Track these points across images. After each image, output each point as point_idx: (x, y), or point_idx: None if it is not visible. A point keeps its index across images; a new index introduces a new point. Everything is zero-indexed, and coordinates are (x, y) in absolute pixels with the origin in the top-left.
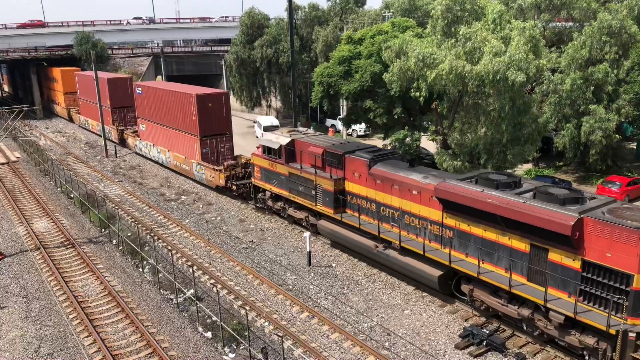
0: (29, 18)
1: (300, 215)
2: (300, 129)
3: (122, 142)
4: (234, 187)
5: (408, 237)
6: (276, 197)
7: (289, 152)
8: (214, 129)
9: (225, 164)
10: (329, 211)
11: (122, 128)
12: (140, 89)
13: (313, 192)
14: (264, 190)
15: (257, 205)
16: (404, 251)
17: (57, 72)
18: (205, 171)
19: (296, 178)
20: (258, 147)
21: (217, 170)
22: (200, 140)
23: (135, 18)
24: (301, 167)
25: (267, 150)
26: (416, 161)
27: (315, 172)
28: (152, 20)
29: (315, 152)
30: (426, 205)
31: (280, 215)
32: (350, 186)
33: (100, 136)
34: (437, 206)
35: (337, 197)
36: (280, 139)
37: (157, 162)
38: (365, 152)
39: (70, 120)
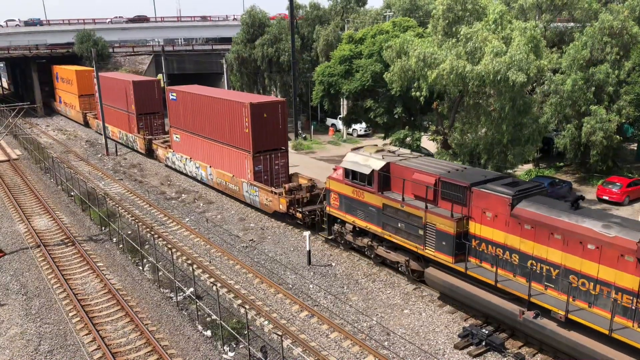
0: (29, 16)
1: (396, 257)
2: (390, 147)
3: (150, 153)
4: (299, 215)
5: (574, 305)
6: (360, 232)
7: (383, 179)
8: (268, 143)
9: (286, 186)
10: (445, 259)
11: (150, 137)
12: (174, 94)
13: (420, 232)
14: (343, 222)
15: (329, 237)
16: (568, 324)
17: (71, 72)
18: (260, 194)
19: (394, 212)
20: (335, 169)
21: (276, 193)
22: (253, 157)
23: (8, 20)
24: (403, 198)
25: (352, 175)
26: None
27: (426, 206)
28: (29, 23)
29: (423, 180)
30: (610, 266)
31: (365, 254)
32: (478, 229)
33: (125, 145)
34: (630, 269)
35: (460, 241)
36: (370, 161)
37: (194, 179)
38: (503, 186)
39: (86, 125)
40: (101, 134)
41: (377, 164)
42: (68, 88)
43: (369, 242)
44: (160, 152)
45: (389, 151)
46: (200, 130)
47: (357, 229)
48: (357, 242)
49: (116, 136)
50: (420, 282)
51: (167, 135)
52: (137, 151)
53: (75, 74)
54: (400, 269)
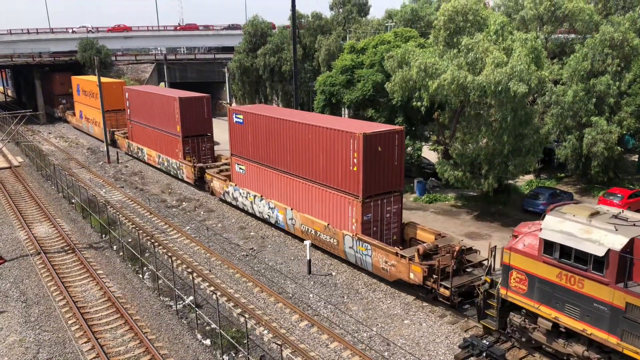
0: (34, 24)
1: None
2: (607, 208)
3: (200, 184)
4: (446, 292)
5: None
6: (562, 333)
7: (627, 264)
8: (381, 184)
9: (420, 248)
10: None
11: (201, 165)
12: (240, 116)
13: None
14: (531, 315)
15: (499, 330)
16: None
17: (95, 84)
18: (375, 254)
19: None
20: (516, 235)
21: (404, 257)
22: (363, 203)
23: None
24: None
25: (560, 251)
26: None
27: None
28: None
29: None
30: None
31: None
32: None
33: (165, 172)
34: None
35: None
36: (597, 234)
37: (264, 221)
38: None
39: (113, 144)
40: (137, 159)
41: (615, 240)
42: (91, 102)
43: (585, 353)
44: (216, 184)
45: (615, 216)
46: (278, 163)
47: (563, 329)
48: (555, 345)
49: (153, 161)
50: None
51: (221, 163)
52: (182, 180)
53: (102, 87)
54: None
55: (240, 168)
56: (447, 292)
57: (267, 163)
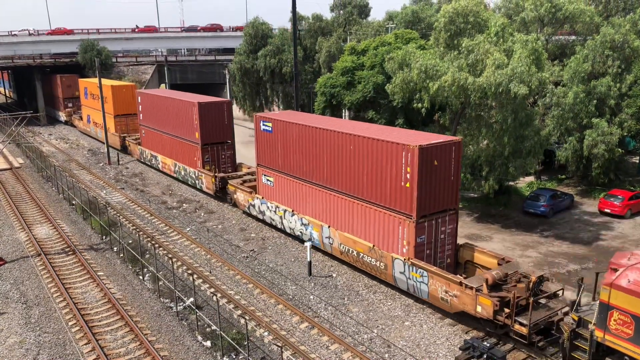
0: (34, 26)
1: None
2: None
3: (221, 195)
4: (523, 329)
5: None
6: None
7: None
8: (437, 202)
9: (489, 276)
10: None
11: (222, 175)
12: (269, 124)
13: None
14: None
15: None
16: None
17: (106, 88)
18: (432, 281)
19: None
20: (615, 267)
21: (467, 286)
22: (416, 224)
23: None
24: None
25: None
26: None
27: None
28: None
29: None
30: None
31: None
32: None
33: (182, 181)
34: None
35: None
36: None
37: (296, 238)
38: None
39: (124, 151)
40: (151, 167)
41: None
42: (100, 106)
43: None
44: (240, 196)
45: None
46: (313, 176)
47: None
48: None
49: (169, 169)
50: None
51: (243, 173)
52: (200, 190)
53: (111, 90)
54: None
55: (267, 180)
56: (523, 330)
57: (299, 175)
